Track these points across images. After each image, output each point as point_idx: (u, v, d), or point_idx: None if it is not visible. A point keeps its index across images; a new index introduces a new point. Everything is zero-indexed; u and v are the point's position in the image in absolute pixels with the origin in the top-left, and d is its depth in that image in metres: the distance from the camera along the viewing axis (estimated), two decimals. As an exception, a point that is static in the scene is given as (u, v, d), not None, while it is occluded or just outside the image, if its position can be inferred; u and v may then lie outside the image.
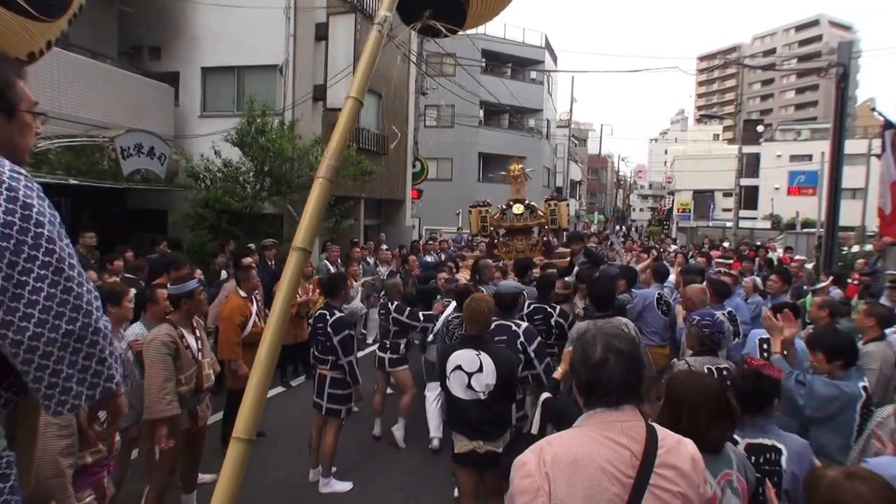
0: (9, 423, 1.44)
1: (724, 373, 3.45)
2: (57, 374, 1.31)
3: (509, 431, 3.82)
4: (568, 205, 9.76)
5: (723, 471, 2.02)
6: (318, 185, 1.44)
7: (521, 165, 9.56)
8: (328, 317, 4.83)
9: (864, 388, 3.13)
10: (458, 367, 3.67)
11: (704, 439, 1.99)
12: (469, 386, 3.60)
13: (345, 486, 4.89)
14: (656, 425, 1.67)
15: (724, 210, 39.86)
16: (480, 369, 3.59)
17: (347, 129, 1.46)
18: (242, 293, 5.72)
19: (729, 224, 28.37)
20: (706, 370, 3.48)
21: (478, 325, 3.79)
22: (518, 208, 8.52)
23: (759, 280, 7.40)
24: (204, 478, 4.64)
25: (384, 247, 11.29)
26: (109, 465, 3.16)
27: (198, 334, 4.25)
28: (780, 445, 2.38)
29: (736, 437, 2.35)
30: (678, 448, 1.62)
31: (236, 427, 1.26)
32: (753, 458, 2.32)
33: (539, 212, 8.77)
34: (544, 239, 8.75)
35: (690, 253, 14.79)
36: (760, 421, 2.42)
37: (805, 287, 7.78)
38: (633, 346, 1.72)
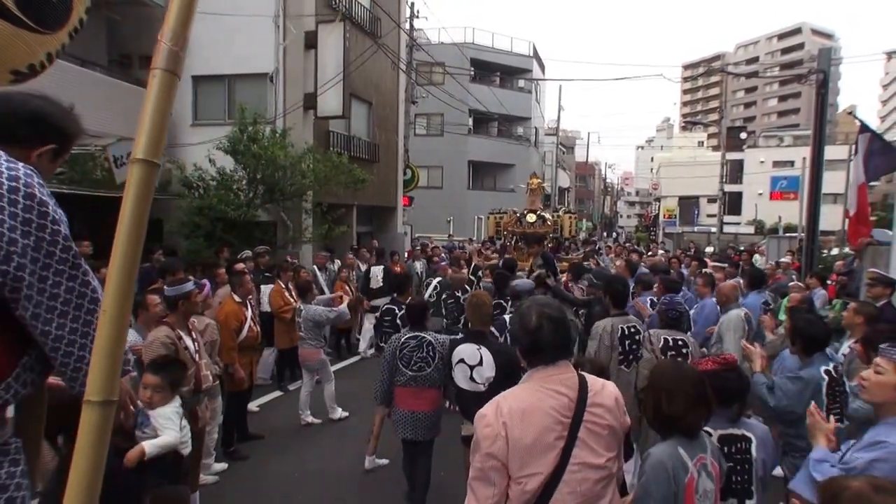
0: (15, 411, 1.50)
1: (680, 342, 4.32)
2: (81, 360, 1.39)
3: None
4: (572, 216, 10.96)
5: (698, 455, 2.15)
6: (156, 78, 1.11)
7: (538, 180, 11.09)
8: (397, 310, 5.43)
9: (827, 371, 3.40)
10: (462, 361, 3.92)
11: (683, 423, 2.15)
12: (472, 378, 3.85)
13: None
14: (585, 374, 2.06)
15: (709, 215, 40.41)
16: (481, 363, 3.84)
17: (187, 5, 1.15)
18: (237, 298, 5.80)
19: (713, 229, 28.75)
20: (663, 339, 4.38)
21: (480, 320, 4.04)
22: (531, 217, 9.77)
23: (742, 282, 7.62)
24: (206, 479, 4.74)
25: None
26: None
27: (194, 336, 4.33)
28: (749, 435, 2.51)
29: (708, 429, 2.45)
30: (603, 391, 2.01)
31: (87, 390, 1.12)
32: (726, 448, 2.44)
33: (549, 221, 9.99)
34: (550, 245, 9.85)
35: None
36: (728, 413, 2.53)
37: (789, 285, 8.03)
38: (561, 313, 2.07)
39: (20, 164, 1.34)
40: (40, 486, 2.24)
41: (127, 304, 1.15)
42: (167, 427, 3.05)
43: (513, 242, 10.33)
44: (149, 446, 2.88)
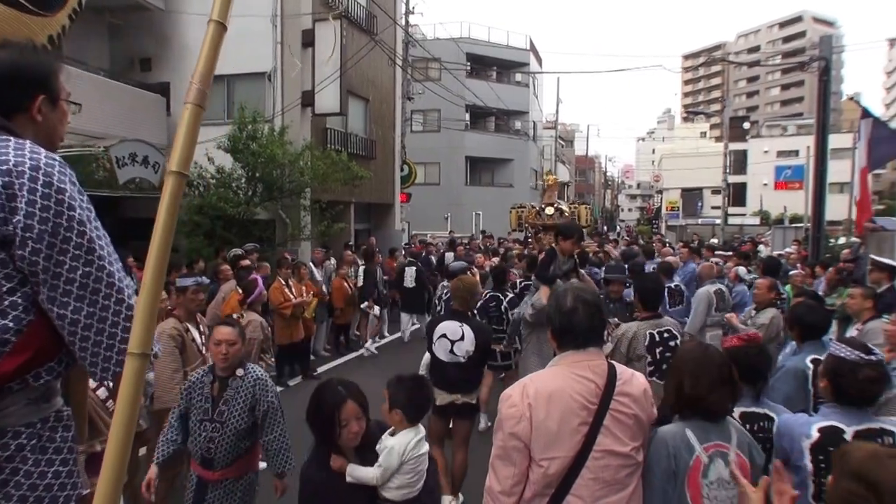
0: (62, 383, 1.58)
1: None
2: (98, 344, 1.42)
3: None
4: (589, 208, 12.04)
5: (713, 441, 2.03)
6: (188, 111, 1.38)
7: (554, 177, 12.26)
8: (501, 297, 5.98)
9: (815, 360, 3.17)
10: (444, 336, 4.32)
11: (706, 404, 2.05)
12: (451, 351, 4.28)
13: None
14: (614, 362, 2.05)
15: (713, 207, 40.18)
16: (462, 338, 4.27)
17: (213, 54, 1.39)
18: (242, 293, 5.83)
19: (718, 221, 28.59)
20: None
21: (463, 301, 4.49)
22: (549, 210, 10.64)
23: (742, 270, 7.64)
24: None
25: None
26: None
27: (202, 329, 4.43)
28: (772, 415, 2.49)
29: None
30: (632, 380, 2.02)
31: (130, 344, 1.28)
32: (748, 426, 2.38)
33: (566, 213, 10.75)
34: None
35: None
36: (752, 392, 2.51)
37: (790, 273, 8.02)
38: (597, 298, 2.09)
39: (42, 152, 1.38)
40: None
41: (160, 279, 1.35)
42: (380, 462, 2.50)
43: (533, 234, 11.19)
44: (350, 468, 2.47)
